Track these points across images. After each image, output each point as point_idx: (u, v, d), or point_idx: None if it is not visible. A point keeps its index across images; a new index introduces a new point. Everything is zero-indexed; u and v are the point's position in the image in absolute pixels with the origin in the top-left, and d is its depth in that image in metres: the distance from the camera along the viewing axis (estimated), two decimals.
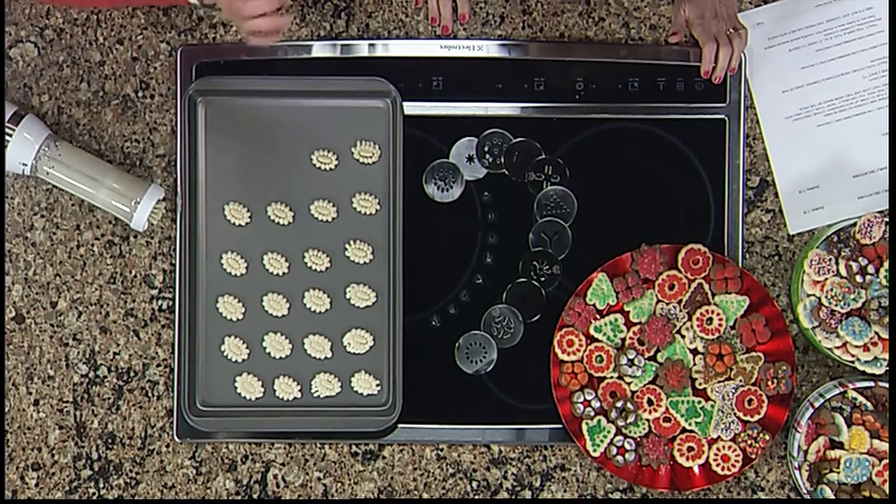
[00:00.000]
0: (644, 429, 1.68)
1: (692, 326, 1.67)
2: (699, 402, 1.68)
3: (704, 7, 1.65)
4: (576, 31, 1.72)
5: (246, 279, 1.69)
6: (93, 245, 1.71)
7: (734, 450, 1.67)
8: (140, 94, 1.71)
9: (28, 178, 1.70)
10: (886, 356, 1.65)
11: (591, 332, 1.68)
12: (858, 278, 1.65)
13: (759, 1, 1.71)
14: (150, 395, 1.70)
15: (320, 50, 1.71)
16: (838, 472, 1.63)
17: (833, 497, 1.63)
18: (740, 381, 1.67)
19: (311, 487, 1.71)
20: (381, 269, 1.69)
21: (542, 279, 1.70)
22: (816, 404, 1.65)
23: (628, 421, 1.67)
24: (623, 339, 1.69)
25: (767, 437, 1.66)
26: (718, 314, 1.67)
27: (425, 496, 1.70)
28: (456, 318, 1.71)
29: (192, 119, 1.69)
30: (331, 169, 1.70)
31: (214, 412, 1.69)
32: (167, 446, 1.70)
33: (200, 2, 1.56)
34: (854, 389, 1.65)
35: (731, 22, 1.65)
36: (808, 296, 1.66)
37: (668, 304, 1.68)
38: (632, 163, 1.71)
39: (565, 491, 1.70)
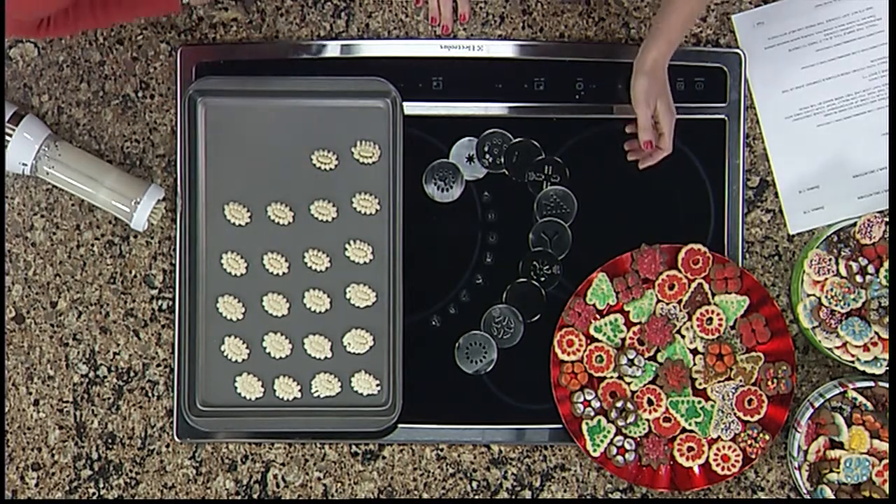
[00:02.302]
0: (644, 429, 1.68)
1: (692, 326, 1.67)
2: (699, 402, 1.68)
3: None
4: (576, 31, 1.72)
5: (246, 279, 1.69)
6: (93, 245, 1.71)
7: (734, 450, 1.67)
8: (140, 94, 1.71)
9: (28, 178, 1.70)
10: (886, 356, 1.65)
11: (591, 332, 1.68)
12: (858, 278, 1.65)
13: (759, 1, 1.71)
14: (150, 395, 1.70)
15: (320, 50, 1.71)
16: (838, 472, 1.63)
17: (833, 497, 1.63)
18: (740, 381, 1.67)
19: (311, 487, 1.71)
20: (381, 269, 1.69)
21: (542, 279, 1.70)
22: (816, 404, 1.65)
23: (628, 421, 1.67)
24: (623, 339, 1.69)
25: (767, 437, 1.66)
26: (718, 314, 1.67)
27: (425, 496, 1.70)
28: (456, 318, 1.71)
29: (192, 119, 1.69)
30: (331, 169, 1.70)
31: (214, 412, 1.69)
32: (167, 446, 1.70)
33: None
34: (854, 389, 1.65)
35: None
36: (808, 296, 1.66)
37: (668, 304, 1.68)
38: (632, 163, 1.70)
39: (565, 491, 1.70)
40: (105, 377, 1.70)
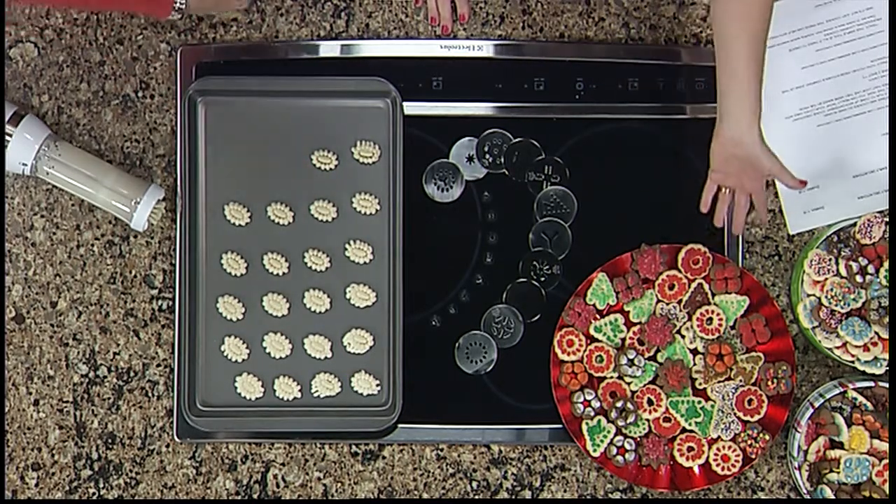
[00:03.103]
0: (644, 429, 1.68)
1: (692, 326, 1.67)
2: (699, 402, 1.68)
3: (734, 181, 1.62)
4: (576, 31, 1.72)
5: (246, 279, 1.69)
6: (93, 245, 1.71)
7: (734, 450, 1.67)
8: (140, 94, 1.71)
9: (28, 178, 1.70)
10: (886, 356, 1.65)
11: (591, 332, 1.68)
12: (858, 278, 1.65)
13: None
14: (150, 395, 1.70)
15: (320, 50, 1.71)
16: (838, 472, 1.63)
17: (833, 497, 1.63)
18: (740, 381, 1.67)
19: (311, 487, 1.71)
20: (381, 269, 1.69)
21: (542, 279, 1.70)
22: (816, 404, 1.65)
23: (628, 421, 1.67)
24: (623, 339, 1.68)
25: (767, 437, 1.66)
26: (718, 314, 1.67)
27: (425, 496, 1.70)
28: (456, 318, 1.71)
29: (192, 119, 1.69)
30: (331, 169, 1.70)
31: (214, 412, 1.69)
32: (167, 446, 1.70)
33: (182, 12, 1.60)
34: (854, 389, 1.65)
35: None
36: (808, 296, 1.66)
37: (668, 304, 1.68)
38: (632, 163, 1.71)
39: (565, 491, 1.70)
40: (105, 377, 1.70)
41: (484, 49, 1.71)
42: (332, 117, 1.70)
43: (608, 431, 1.67)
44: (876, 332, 1.65)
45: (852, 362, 1.66)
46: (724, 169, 1.59)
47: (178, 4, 1.59)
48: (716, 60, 1.54)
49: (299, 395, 1.69)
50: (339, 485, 1.70)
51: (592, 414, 1.68)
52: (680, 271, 1.68)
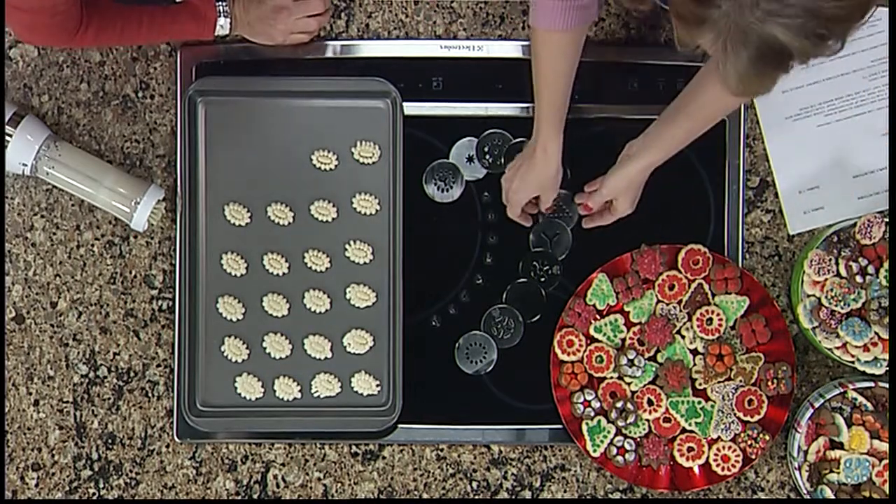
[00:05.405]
0: (644, 429, 1.68)
1: (692, 326, 1.67)
2: (699, 403, 1.68)
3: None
4: None
5: (246, 279, 1.69)
6: (93, 245, 1.71)
7: (734, 450, 1.67)
8: (140, 94, 1.71)
9: (28, 178, 1.70)
10: (886, 356, 1.65)
11: (591, 332, 1.68)
12: (858, 278, 1.65)
13: None
14: (150, 395, 1.70)
15: (320, 50, 1.71)
16: (838, 473, 1.63)
17: (833, 497, 1.63)
18: (740, 381, 1.67)
19: (311, 487, 1.71)
20: (381, 269, 1.69)
21: (542, 279, 1.70)
22: (816, 404, 1.65)
23: (628, 421, 1.67)
24: (623, 340, 1.68)
25: (767, 438, 1.66)
26: (718, 314, 1.67)
27: (425, 496, 1.70)
28: (456, 318, 1.71)
29: (192, 119, 1.69)
30: (331, 169, 1.70)
31: (214, 412, 1.69)
32: (167, 446, 1.70)
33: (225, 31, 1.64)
34: (854, 390, 1.65)
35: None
36: (808, 296, 1.66)
37: (668, 304, 1.68)
38: None
39: (565, 491, 1.71)
40: (105, 377, 1.70)
41: (484, 49, 1.71)
42: (332, 117, 1.70)
43: (608, 432, 1.67)
44: (876, 333, 1.65)
45: (852, 362, 1.66)
46: (629, 192, 1.63)
47: (220, 26, 1.63)
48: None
49: (299, 395, 1.69)
50: (339, 485, 1.71)
51: (592, 414, 1.68)
52: (680, 271, 1.68)
